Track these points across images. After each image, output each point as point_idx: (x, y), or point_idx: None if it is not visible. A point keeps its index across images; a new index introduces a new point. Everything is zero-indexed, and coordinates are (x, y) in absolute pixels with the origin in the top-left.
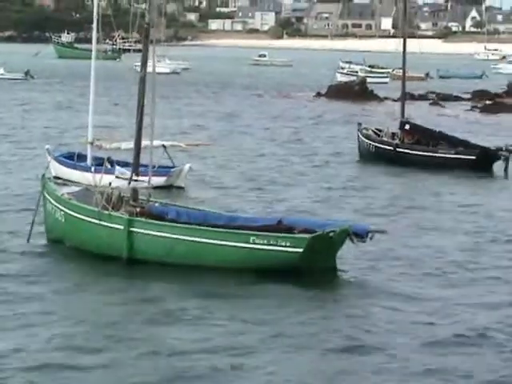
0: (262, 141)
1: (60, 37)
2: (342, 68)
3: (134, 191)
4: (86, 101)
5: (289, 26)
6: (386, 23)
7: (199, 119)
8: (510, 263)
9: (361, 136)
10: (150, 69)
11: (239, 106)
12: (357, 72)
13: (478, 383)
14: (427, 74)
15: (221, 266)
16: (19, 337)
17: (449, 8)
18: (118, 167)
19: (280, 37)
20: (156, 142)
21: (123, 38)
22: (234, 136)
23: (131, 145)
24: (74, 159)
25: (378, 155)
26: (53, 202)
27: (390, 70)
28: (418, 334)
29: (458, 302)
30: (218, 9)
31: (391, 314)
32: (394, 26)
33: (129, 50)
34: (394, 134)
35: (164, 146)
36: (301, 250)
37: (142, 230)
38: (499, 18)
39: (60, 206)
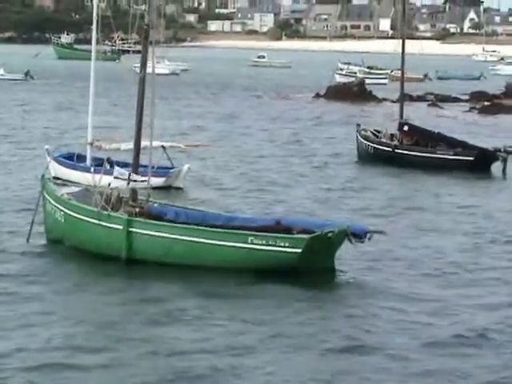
0: (261, 142)
1: (60, 38)
2: (341, 69)
3: (133, 192)
4: (86, 101)
5: (288, 28)
6: (385, 24)
7: (198, 120)
8: (509, 264)
9: (359, 137)
10: (149, 70)
11: (238, 107)
12: (355, 73)
13: (477, 383)
14: (426, 75)
15: (219, 266)
16: (19, 337)
17: (447, 9)
18: (117, 168)
19: (279, 38)
20: (155, 143)
21: (122, 39)
22: (233, 137)
23: (131, 145)
24: (73, 160)
25: (377, 156)
26: (52, 202)
27: (388, 71)
28: (417, 334)
29: (458, 303)
30: (217, 10)
31: (390, 314)
32: (392, 28)
33: (128, 51)
34: (392, 135)
35: (163, 147)
36: (299, 250)
37: (140, 230)
38: (497, 19)
39: (59, 207)
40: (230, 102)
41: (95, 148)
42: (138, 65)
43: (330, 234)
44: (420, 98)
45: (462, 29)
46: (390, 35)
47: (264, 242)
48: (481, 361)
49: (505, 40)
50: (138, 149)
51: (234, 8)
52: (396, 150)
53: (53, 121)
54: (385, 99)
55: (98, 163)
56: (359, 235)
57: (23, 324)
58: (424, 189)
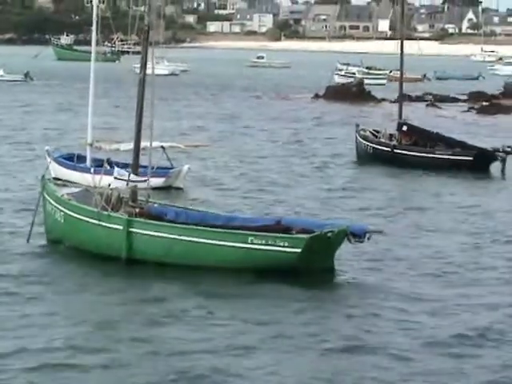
0: (260, 142)
1: (59, 39)
2: (340, 70)
3: (133, 192)
4: (86, 102)
5: (287, 28)
6: (384, 25)
7: (198, 121)
8: (509, 263)
9: (358, 137)
10: (148, 71)
11: (238, 107)
12: (354, 73)
13: (477, 383)
14: (424, 76)
15: (219, 266)
16: (20, 337)
17: (445, 10)
18: (117, 168)
19: (278, 39)
20: (155, 144)
21: (122, 40)
22: (232, 137)
23: (130, 146)
24: (73, 160)
25: (376, 156)
26: (52, 202)
27: (387, 72)
28: (417, 333)
29: (458, 302)
30: (216, 11)
31: (391, 314)
32: (391, 28)
33: (128, 52)
34: (391, 136)
35: (163, 147)
36: (299, 250)
37: (140, 231)
38: (495, 19)
39: (60, 207)
40: (230, 103)
41: (95, 149)
42: (138, 65)
43: (329, 234)
44: (419, 99)
45: (460, 29)
46: (388, 36)
47: (264, 241)
48: (481, 361)
49: (503, 40)
50: (137, 149)
51: (232, 9)
52: (395, 150)
53: (52, 122)
54: (384, 99)
55: (98, 164)
56: (359, 235)
57: (23, 324)
58: (423, 189)
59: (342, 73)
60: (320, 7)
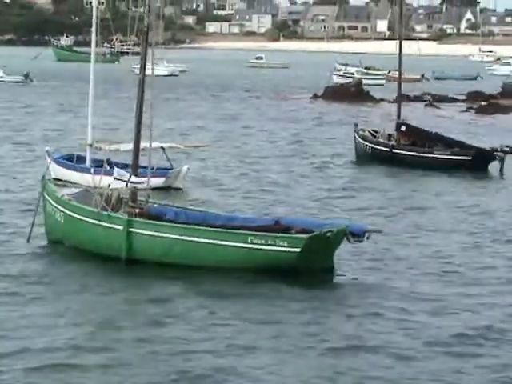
0: (261, 142)
1: (59, 40)
2: (339, 70)
3: (133, 192)
4: (85, 103)
5: (285, 29)
6: (382, 25)
7: (198, 121)
8: (509, 263)
9: (357, 137)
10: (148, 71)
11: (237, 107)
12: (353, 74)
13: (478, 383)
14: (423, 76)
15: (219, 265)
16: (21, 337)
17: (444, 10)
18: (116, 169)
19: (277, 39)
20: (155, 144)
21: (121, 41)
22: (232, 137)
23: (130, 146)
24: (73, 161)
25: (375, 156)
26: (53, 203)
27: (385, 72)
28: (418, 333)
29: (458, 302)
30: (215, 12)
31: (391, 314)
32: (389, 29)
33: (127, 53)
34: (390, 136)
35: (162, 148)
36: (298, 249)
37: (140, 231)
38: (494, 19)
39: (60, 207)
40: (229, 103)
41: (95, 149)
42: (137, 66)
43: (328, 234)
44: (417, 99)
45: (458, 29)
46: (387, 36)
47: (263, 241)
48: (481, 360)
49: (501, 40)
50: (137, 150)
51: (231, 10)
52: (394, 150)
53: (52, 122)
54: (382, 99)
55: (98, 164)
56: (358, 235)
57: (24, 324)
58: (422, 188)
59: (341, 73)
60: (318, 8)
